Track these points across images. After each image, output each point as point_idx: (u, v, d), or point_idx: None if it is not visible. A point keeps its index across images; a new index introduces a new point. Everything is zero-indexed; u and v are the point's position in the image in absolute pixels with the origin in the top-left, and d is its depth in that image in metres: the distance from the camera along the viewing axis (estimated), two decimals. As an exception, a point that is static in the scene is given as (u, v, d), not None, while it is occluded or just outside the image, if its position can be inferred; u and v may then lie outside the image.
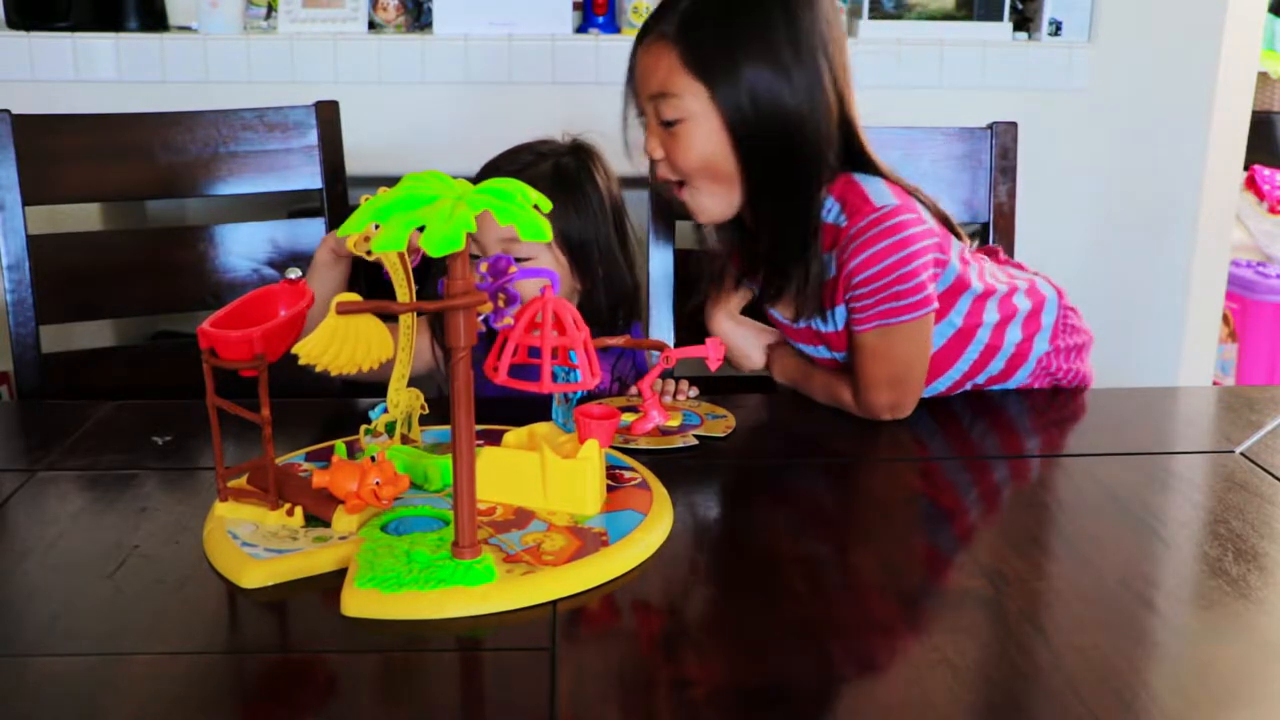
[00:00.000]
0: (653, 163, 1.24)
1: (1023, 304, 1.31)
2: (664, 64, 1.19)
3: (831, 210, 1.22)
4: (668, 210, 1.53)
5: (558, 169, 1.31)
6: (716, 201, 1.23)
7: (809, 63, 1.17)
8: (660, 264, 1.54)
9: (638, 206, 1.56)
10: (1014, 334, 1.29)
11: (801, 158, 1.19)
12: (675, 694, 0.72)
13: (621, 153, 1.39)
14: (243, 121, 1.56)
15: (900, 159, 1.55)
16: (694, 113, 1.18)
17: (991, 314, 1.28)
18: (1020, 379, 1.32)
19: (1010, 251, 1.55)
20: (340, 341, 0.88)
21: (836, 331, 1.26)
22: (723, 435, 1.14)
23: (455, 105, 2.03)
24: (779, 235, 1.21)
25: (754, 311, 1.36)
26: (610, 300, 1.33)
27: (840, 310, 1.24)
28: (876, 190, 1.21)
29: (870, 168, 1.24)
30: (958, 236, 1.30)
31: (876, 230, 1.18)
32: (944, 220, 1.29)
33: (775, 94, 1.16)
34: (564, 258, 1.30)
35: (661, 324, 1.54)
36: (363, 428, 1.01)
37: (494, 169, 1.32)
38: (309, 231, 1.59)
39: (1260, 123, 2.92)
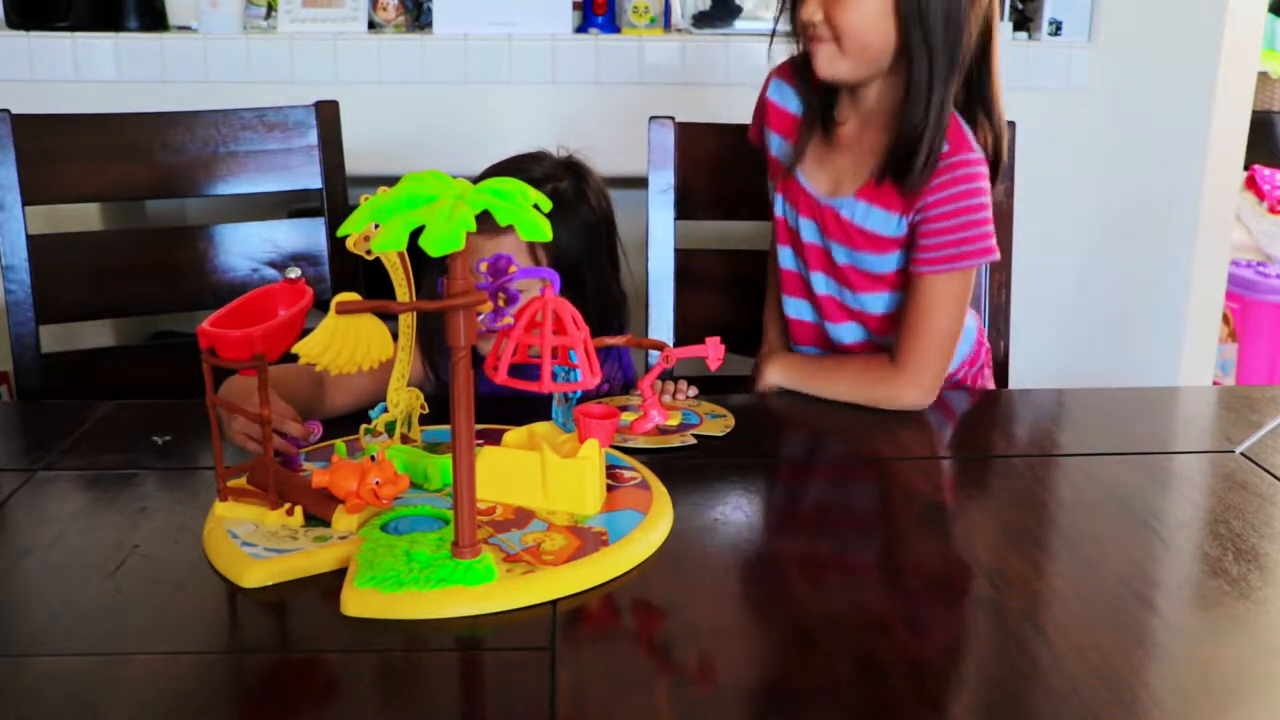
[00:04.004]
0: (804, 27, 1.25)
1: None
2: None
3: None
4: (668, 209, 1.53)
5: (554, 194, 1.31)
6: (851, 68, 1.25)
7: None
8: (660, 264, 1.54)
9: (636, 206, 1.56)
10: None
11: (951, 44, 1.20)
12: (675, 694, 0.72)
13: (616, 153, 1.40)
14: (243, 121, 1.56)
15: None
16: None
17: None
18: None
19: (1009, 252, 1.54)
20: (340, 341, 0.88)
21: (893, 271, 1.29)
22: (722, 435, 1.14)
23: (455, 105, 2.03)
24: (928, 102, 1.22)
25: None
26: (600, 315, 1.33)
27: (892, 257, 1.27)
28: (971, 139, 1.26)
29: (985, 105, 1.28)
30: None
31: (963, 172, 1.23)
32: None
33: None
34: None
35: (661, 324, 1.54)
36: (363, 427, 1.01)
37: None
38: (309, 231, 1.59)
39: (1260, 123, 2.92)
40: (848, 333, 1.35)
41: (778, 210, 1.37)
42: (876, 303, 1.31)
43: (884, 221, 1.26)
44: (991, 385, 1.46)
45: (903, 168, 1.23)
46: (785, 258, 1.38)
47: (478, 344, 0.97)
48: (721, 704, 0.71)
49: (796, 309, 1.39)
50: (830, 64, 1.25)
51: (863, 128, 1.30)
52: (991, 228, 1.25)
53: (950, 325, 1.26)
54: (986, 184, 1.25)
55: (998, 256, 1.27)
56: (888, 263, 1.28)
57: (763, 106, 1.40)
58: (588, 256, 1.32)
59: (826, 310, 1.35)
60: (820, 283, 1.35)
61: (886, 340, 1.33)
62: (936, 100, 1.21)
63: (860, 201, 1.27)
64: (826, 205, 1.30)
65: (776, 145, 1.37)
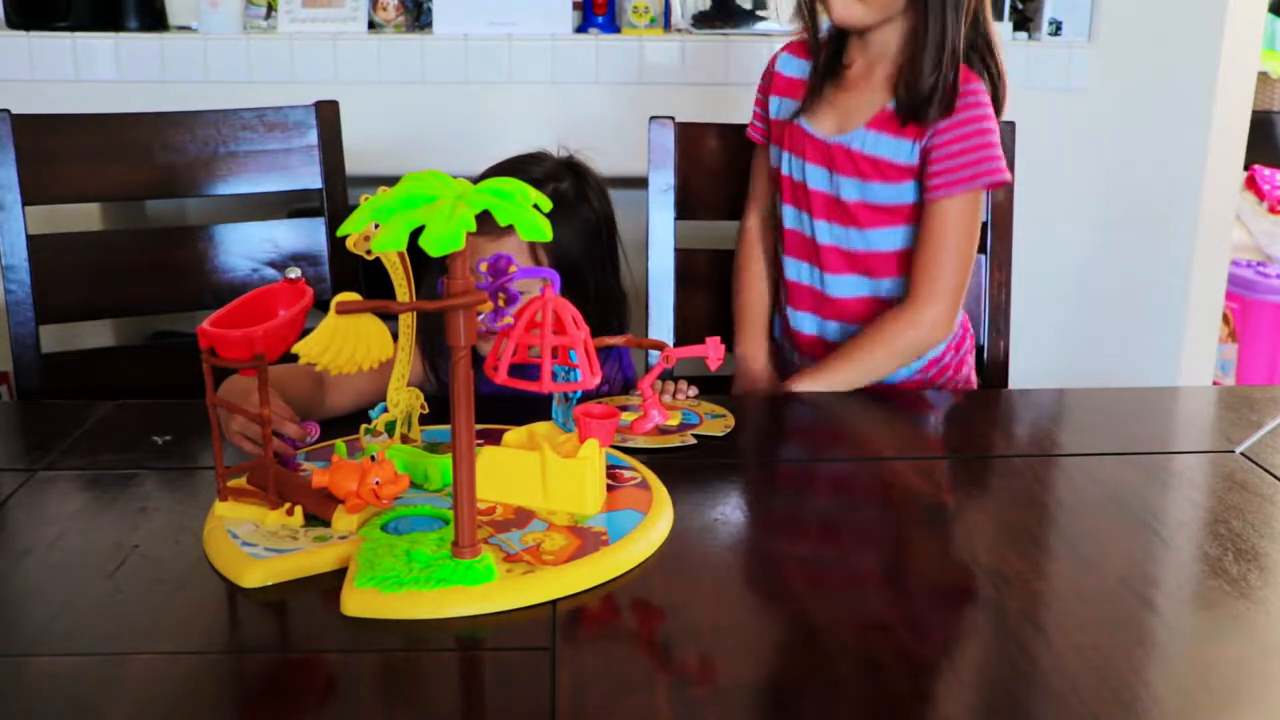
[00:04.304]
0: None
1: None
2: None
3: None
4: (668, 209, 1.53)
5: (555, 195, 1.31)
6: (867, 12, 1.30)
7: None
8: (660, 264, 1.54)
9: (636, 207, 1.56)
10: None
11: None
12: (675, 694, 0.72)
13: (616, 153, 1.40)
14: (243, 121, 1.56)
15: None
16: None
17: None
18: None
19: (1009, 251, 1.54)
20: (340, 341, 0.88)
21: (904, 203, 1.32)
22: (722, 435, 1.14)
23: (455, 105, 2.03)
24: (942, 44, 1.27)
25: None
26: (601, 315, 1.33)
27: (904, 188, 1.31)
28: (972, 71, 1.32)
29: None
30: None
31: (972, 99, 1.29)
32: None
33: None
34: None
35: (661, 324, 1.54)
36: (363, 427, 1.01)
37: None
38: (309, 231, 1.59)
39: (1260, 123, 2.91)
40: (848, 285, 1.37)
41: (783, 169, 1.39)
42: (885, 239, 1.34)
43: (895, 149, 1.30)
44: (974, 373, 1.48)
45: (920, 110, 1.28)
46: (789, 217, 1.41)
47: (478, 344, 0.97)
48: (721, 704, 0.71)
49: (796, 271, 1.41)
50: (846, 8, 1.30)
51: (871, 64, 1.34)
52: (1001, 151, 1.31)
53: (964, 249, 1.30)
54: (992, 111, 1.31)
55: (1009, 178, 1.32)
56: (900, 193, 1.32)
57: (769, 79, 1.44)
58: (588, 256, 1.32)
59: (828, 262, 1.37)
60: (824, 232, 1.37)
61: (887, 289, 1.35)
62: (950, 43, 1.25)
63: (871, 132, 1.31)
64: (836, 144, 1.34)
65: (785, 109, 1.40)
